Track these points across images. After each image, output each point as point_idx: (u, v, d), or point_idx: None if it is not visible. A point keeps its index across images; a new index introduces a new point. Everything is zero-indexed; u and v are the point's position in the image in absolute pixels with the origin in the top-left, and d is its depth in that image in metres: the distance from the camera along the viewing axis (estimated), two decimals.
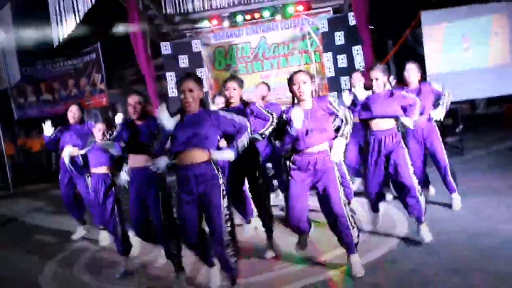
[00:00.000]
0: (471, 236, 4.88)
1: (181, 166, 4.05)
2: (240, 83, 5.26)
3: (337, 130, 4.42)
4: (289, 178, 4.46)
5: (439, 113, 6.00)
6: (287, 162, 4.46)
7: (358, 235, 4.43)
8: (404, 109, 5.15)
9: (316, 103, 4.37)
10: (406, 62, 6.22)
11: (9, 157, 13.29)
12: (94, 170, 5.76)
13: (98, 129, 5.74)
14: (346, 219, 4.32)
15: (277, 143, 4.47)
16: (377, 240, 5.20)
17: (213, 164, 4.08)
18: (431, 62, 11.20)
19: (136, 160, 4.83)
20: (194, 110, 4.09)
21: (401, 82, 6.23)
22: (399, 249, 4.86)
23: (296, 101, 4.43)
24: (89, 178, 5.92)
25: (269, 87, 6.87)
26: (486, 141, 10.10)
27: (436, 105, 6.06)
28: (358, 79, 6.84)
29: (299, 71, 4.44)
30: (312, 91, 4.37)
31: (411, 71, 6.10)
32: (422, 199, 4.92)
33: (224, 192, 4.10)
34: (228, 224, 4.09)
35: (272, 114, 5.21)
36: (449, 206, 5.93)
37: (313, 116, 4.31)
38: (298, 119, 4.16)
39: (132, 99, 4.84)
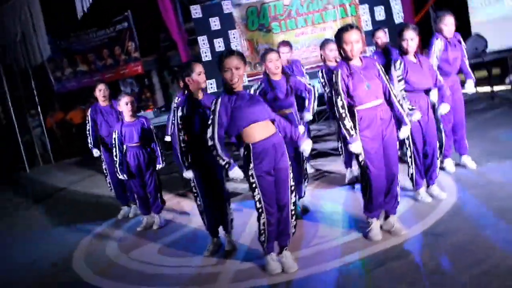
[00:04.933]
0: None
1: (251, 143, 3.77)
2: (279, 53, 5.17)
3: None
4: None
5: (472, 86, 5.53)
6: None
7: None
8: None
9: (365, 61, 4.08)
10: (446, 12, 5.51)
11: (50, 130, 13.18)
12: (131, 145, 5.68)
13: (124, 103, 5.45)
14: (397, 180, 4.22)
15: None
16: (423, 209, 4.66)
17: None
18: (475, 7, 10.27)
19: None
20: (240, 87, 3.85)
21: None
22: (448, 220, 4.30)
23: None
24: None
25: (291, 46, 6.36)
26: None
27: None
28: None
29: (350, 28, 4.00)
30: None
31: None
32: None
33: (289, 163, 3.96)
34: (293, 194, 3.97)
35: (313, 86, 5.23)
36: (503, 170, 5.23)
37: (368, 72, 4.03)
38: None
39: (199, 68, 4.50)
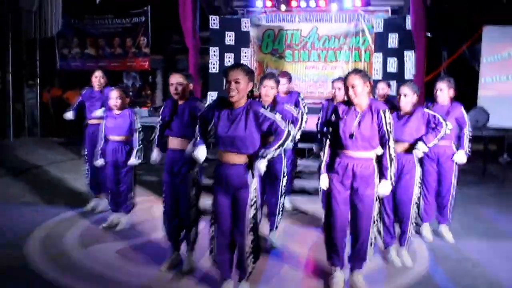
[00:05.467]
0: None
1: (219, 162, 3.74)
2: (278, 83, 5.03)
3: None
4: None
5: (462, 157, 5.29)
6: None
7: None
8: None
9: (368, 109, 3.90)
10: (441, 79, 5.43)
11: (44, 105, 12.97)
12: (112, 137, 5.55)
13: (110, 97, 5.42)
14: (368, 238, 3.98)
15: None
16: (392, 271, 4.51)
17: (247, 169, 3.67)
18: (485, 81, 10.26)
19: (173, 142, 4.39)
20: (240, 104, 3.62)
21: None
22: None
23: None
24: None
25: (289, 79, 6.27)
26: None
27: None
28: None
29: (350, 73, 3.94)
30: (366, 92, 3.90)
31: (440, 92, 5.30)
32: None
33: (253, 201, 3.70)
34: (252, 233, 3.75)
35: (302, 116, 5.18)
36: (480, 248, 5.13)
37: (364, 121, 3.85)
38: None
39: (174, 79, 4.35)
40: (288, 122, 3.76)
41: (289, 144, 5.05)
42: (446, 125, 4.62)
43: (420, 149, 4.57)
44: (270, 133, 3.64)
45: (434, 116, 4.62)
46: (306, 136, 5.98)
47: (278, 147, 3.60)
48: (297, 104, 5.85)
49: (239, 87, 3.54)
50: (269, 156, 3.59)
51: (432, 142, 4.60)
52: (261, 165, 3.57)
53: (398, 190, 4.58)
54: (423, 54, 9.80)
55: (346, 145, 3.88)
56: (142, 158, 5.60)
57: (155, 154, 4.60)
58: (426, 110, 4.67)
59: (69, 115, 6.43)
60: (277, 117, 3.59)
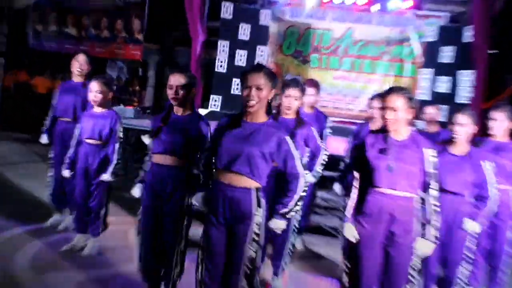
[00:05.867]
0: None
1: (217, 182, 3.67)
2: (303, 93, 5.01)
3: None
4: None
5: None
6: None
7: None
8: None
9: (410, 139, 3.82)
10: (497, 108, 5.22)
11: (6, 91, 12.99)
12: (86, 140, 5.54)
13: (89, 89, 5.44)
14: None
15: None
16: None
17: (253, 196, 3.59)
18: None
19: (158, 157, 4.27)
20: (258, 117, 3.62)
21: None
22: None
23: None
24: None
25: (318, 89, 6.16)
26: None
27: None
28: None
29: (396, 90, 3.86)
30: (407, 119, 3.83)
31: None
32: None
33: (253, 239, 3.61)
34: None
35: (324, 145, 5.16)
36: None
37: (403, 152, 3.78)
38: None
39: (176, 79, 4.20)
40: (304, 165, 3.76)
41: (311, 179, 5.06)
42: (493, 198, 4.50)
43: (470, 229, 4.52)
44: (282, 172, 3.62)
45: (484, 178, 4.50)
46: (328, 161, 5.89)
47: (299, 200, 3.63)
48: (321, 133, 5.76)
49: (260, 94, 3.52)
50: (292, 214, 3.64)
51: (480, 220, 4.54)
52: (281, 225, 3.63)
53: (445, 243, 4.48)
54: (483, 75, 9.76)
55: (381, 181, 3.78)
56: (118, 174, 5.56)
57: (138, 190, 4.46)
58: (481, 160, 4.53)
59: (43, 139, 6.40)
60: (298, 156, 3.61)
